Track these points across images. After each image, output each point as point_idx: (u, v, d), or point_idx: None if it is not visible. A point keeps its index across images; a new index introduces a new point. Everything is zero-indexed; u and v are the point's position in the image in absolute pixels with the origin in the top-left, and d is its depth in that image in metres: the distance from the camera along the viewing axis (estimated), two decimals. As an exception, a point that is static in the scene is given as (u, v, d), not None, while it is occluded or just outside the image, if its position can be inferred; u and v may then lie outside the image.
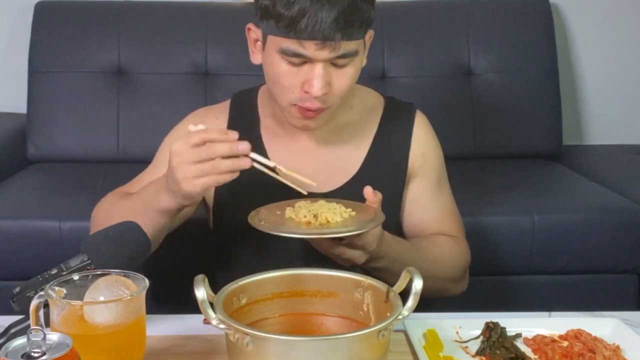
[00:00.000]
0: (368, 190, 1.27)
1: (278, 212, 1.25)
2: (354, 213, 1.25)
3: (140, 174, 1.52)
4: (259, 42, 1.34)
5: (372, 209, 1.26)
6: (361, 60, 1.34)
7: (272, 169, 1.26)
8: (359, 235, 1.21)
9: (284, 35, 1.25)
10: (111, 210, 1.37)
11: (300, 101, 1.30)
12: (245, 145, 1.18)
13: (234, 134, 1.18)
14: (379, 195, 1.27)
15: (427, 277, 1.31)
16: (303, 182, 1.26)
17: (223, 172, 1.19)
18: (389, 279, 1.36)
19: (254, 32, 1.35)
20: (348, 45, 1.26)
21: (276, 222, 1.22)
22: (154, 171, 1.48)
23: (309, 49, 1.24)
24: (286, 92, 1.31)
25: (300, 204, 1.27)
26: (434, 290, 1.37)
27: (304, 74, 1.28)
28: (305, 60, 1.27)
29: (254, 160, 1.22)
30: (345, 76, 1.30)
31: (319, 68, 1.26)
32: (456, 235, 1.49)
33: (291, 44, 1.25)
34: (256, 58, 1.37)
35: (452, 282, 1.48)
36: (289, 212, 1.25)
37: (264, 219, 1.23)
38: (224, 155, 1.17)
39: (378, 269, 1.33)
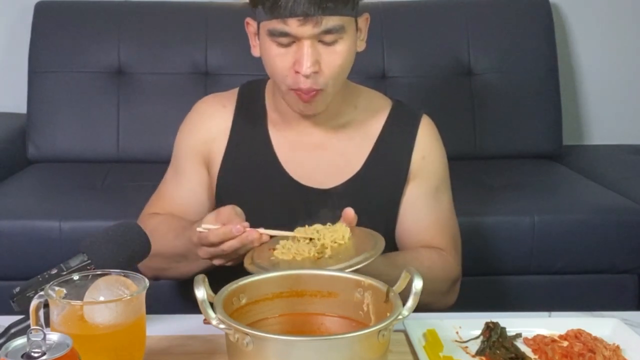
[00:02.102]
0: (349, 213, 1.25)
1: (272, 258, 1.20)
2: (350, 235, 1.23)
3: (165, 182, 1.53)
4: (257, 35, 1.38)
5: (361, 230, 1.25)
6: (353, 41, 1.35)
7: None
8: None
9: (270, 18, 1.29)
10: (162, 247, 1.34)
11: (295, 83, 1.32)
12: (253, 235, 1.21)
13: (238, 228, 1.20)
14: (356, 218, 1.26)
15: None
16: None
17: (248, 250, 1.23)
18: None
19: (251, 26, 1.39)
20: (331, 21, 1.28)
21: (283, 267, 1.17)
22: (177, 178, 1.50)
23: (292, 25, 1.27)
24: (282, 76, 1.33)
25: (284, 243, 1.22)
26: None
27: (293, 54, 1.30)
28: (292, 40, 1.30)
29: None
30: (335, 54, 1.32)
31: (306, 46, 1.29)
32: (444, 248, 1.46)
33: (276, 24, 1.28)
34: (256, 51, 1.40)
35: (433, 296, 1.42)
36: (279, 255, 1.20)
37: (264, 265, 1.18)
38: (238, 248, 1.22)
39: None
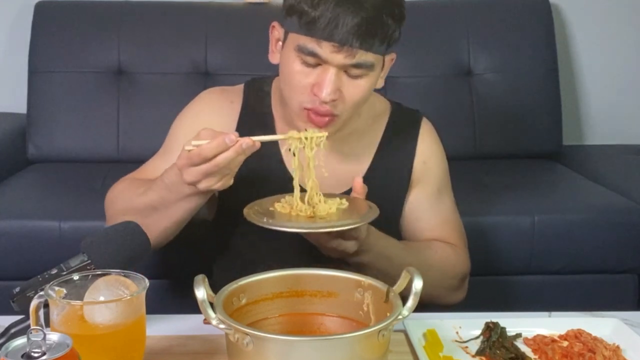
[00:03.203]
0: (358, 181, 1.28)
1: (271, 209, 1.26)
2: (346, 203, 1.27)
3: (151, 160, 1.51)
4: (280, 42, 1.34)
5: (363, 201, 1.27)
6: (376, 78, 1.32)
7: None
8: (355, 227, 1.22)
9: (303, 33, 1.25)
10: (137, 202, 1.35)
11: (310, 103, 1.29)
12: (247, 141, 1.19)
13: (231, 138, 1.18)
14: (366, 189, 1.28)
15: None
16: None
17: (239, 164, 1.21)
18: (376, 276, 1.36)
19: (277, 31, 1.35)
20: (365, 56, 1.26)
21: (277, 218, 1.23)
22: (165, 156, 1.48)
23: (326, 49, 1.24)
24: (297, 93, 1.30)
25: (288, 198, 1.28)
26: (424, 295, 1.36)
27: (316, 76, 1.27)
28: (319, 62, 1.26)
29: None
30: (357, 88, 1.29)
31: (331, 73, 1.26)
32: (455, 244, 1.48)
33: (309, 42, 1.25)
34: (274, 57, 1.36)
35: (444, 289, 1.45)
36: (279, 207, 1.26)
37: (262, 214, 1.23)
38: (233, 159, 1.19)
39: (363, 264, 1.34)
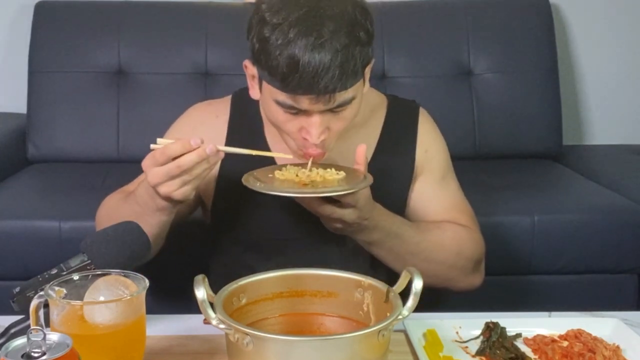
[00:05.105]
0: (360, 150, 1.28)
1: (270, 175, 1.29)
2: (343, 174, 1.28)
3: (141, 175, 1.51)
4: (256, 79, 1.31)
5: (361, 172, 1.28)
6: (360, 100, 1.30)
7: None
8: (350, 194, 1.23)
9: (277, 87, 1.23)
10: (115, 213, 1.37)
11: (304, 147, 1.29)
12: (211, 147, 1.19)
13: (196, 141, 1.18)
14: (367, 160, 1.30)
15: (427, 260, 1.31)
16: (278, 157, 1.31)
17: (201, 173, 1.21)
18: (386, 257, 1.36)
19: (250, 70, 1.32)
20: (344, 95, 1.23)
21: (270, 183, 1.25)
22: None
23: (304, 103, 1.22)
24: (287, 137, 1.30)
25: (290, 166, 1.30)
26: (437, 276, 1.36)
27: (302, 121, 1.26)
28: (301, 110, 1.25)
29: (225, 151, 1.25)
30: (343, 119, 1.28)
31: (315, 117, 1.24)
32: (467, 225, 1.47)
33: (286, 99, 1.23)
34: (255, 94, 1.34)
35: (458, 271, 1.44)
36: (278, 174, 1.28)
37: (258, 180, 1.26)
38: (196, 163, 1.19)
39: (372, 243, 1.34)
